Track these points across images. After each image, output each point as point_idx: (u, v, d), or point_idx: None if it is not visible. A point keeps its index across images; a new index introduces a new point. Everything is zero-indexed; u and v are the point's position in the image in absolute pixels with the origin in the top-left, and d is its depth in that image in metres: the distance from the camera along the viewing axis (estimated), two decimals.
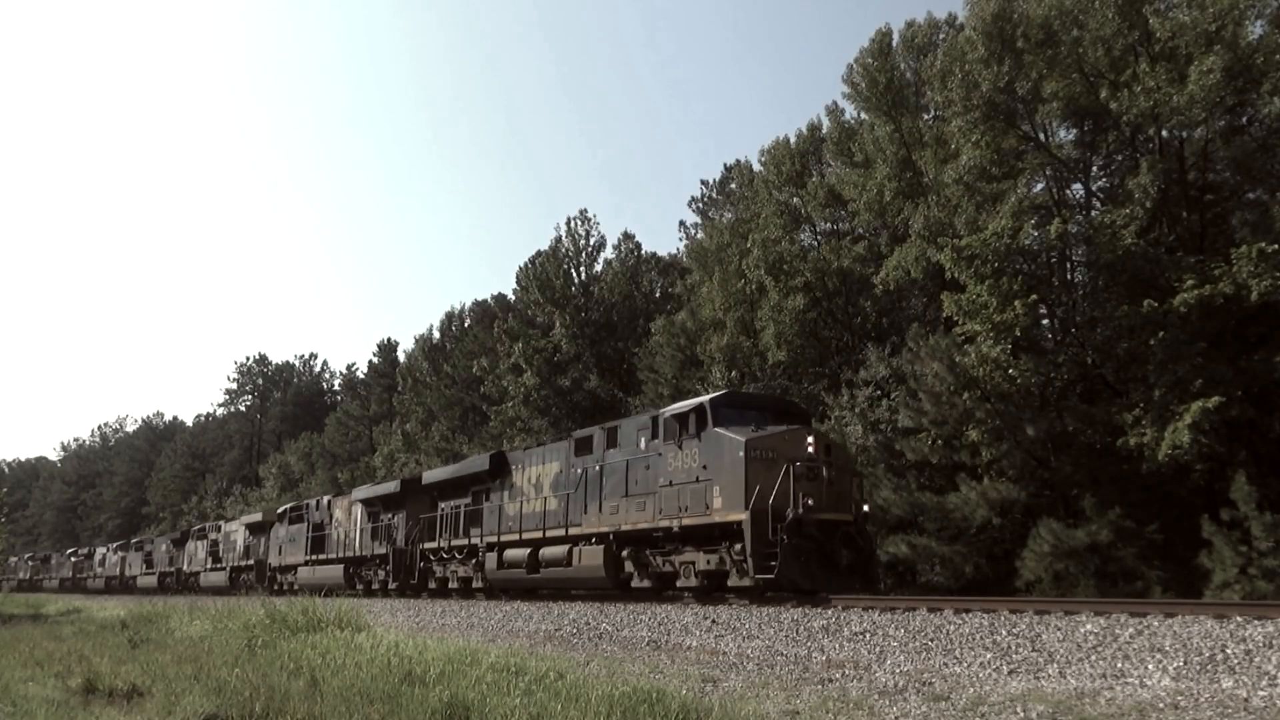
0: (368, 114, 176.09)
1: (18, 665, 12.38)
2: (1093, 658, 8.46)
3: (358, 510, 29.30)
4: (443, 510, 24.38)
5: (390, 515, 27.38)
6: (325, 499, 33.12)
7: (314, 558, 31.50)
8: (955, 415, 20.22)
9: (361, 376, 71.09)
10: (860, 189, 28.44)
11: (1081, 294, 22.75)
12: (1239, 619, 8.63)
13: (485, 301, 56.87)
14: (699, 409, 15.61)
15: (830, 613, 12.33)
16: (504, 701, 7.25)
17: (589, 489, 18.04)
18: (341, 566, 29.30)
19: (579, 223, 43.88)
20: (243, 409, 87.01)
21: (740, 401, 16.47)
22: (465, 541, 22.78)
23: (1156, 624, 8.89)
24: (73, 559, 64.38)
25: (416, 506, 25.69)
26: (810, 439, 14.76)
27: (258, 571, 36.23)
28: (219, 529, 43.43)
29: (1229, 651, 7.83)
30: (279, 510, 36.95)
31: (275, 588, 33.06)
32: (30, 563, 72.09)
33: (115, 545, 58.98)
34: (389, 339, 70.30)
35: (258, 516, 39.29)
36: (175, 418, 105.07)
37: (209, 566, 42.19)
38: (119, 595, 46.23)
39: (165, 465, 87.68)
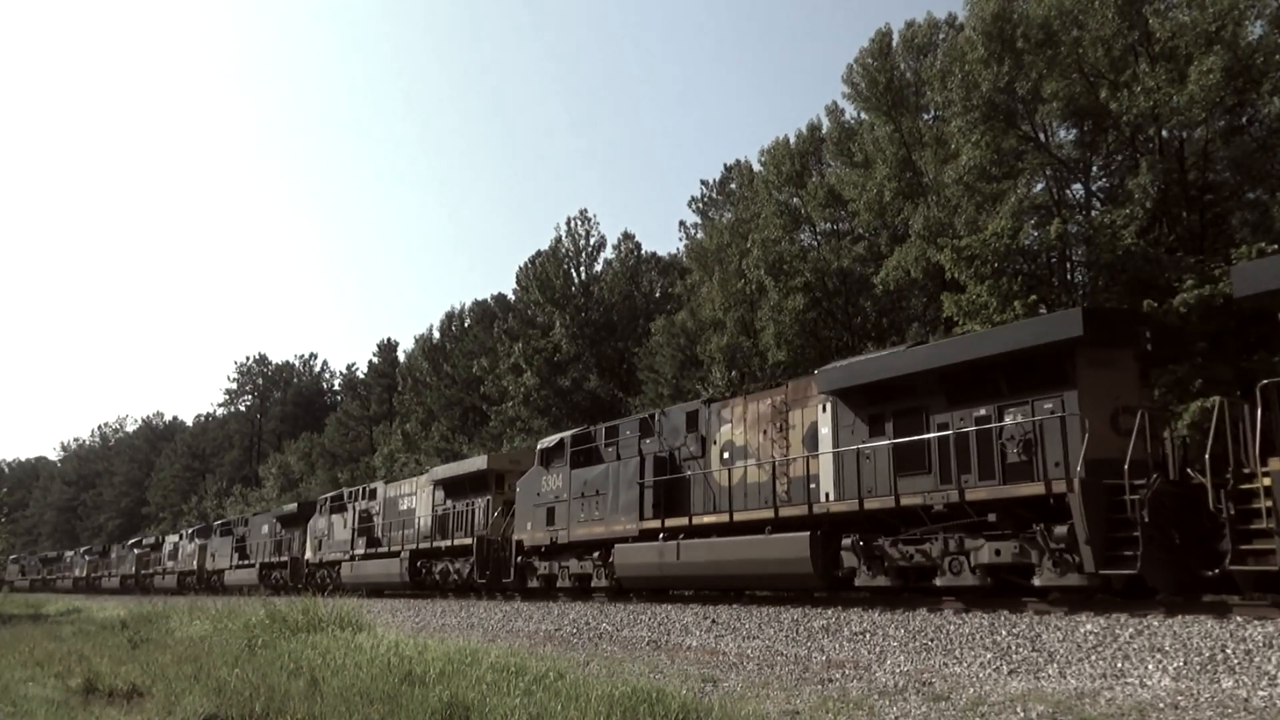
0: (368, 114, 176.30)
1: (18, 665, 12.40)
2: (1093, 658, 8.46)
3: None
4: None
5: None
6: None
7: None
8: None
9: (361, 376, 71.11)
10: (860, 189, 28.46)
11: (1081, 294, 22.76)
12: (1239, 619, 8.64)
13: (485, 301, 56.89)
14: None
15: (830, 612, 12.33)
16: (504, 701, 7.26)
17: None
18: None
19: (579, 223, 43.93)
20: (243, 409, 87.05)
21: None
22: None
23: (1156, 624, 8.89)
24: (136, 551, 52.58)
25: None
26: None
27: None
28: (374, 493, 29.66)
29: (1229, 651, 7.83)
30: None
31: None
32: (87, 558, 60.40)
33: (192, 531, 46.55)
34: (389, 339, 70.36)
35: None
36: (175, 418, 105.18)
37: (362, 552, 28.50)
38: (205, 598, 28.17)
39: (165, 465, 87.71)
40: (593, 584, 18.15)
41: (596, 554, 17.89)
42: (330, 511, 30.82)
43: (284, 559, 33.76)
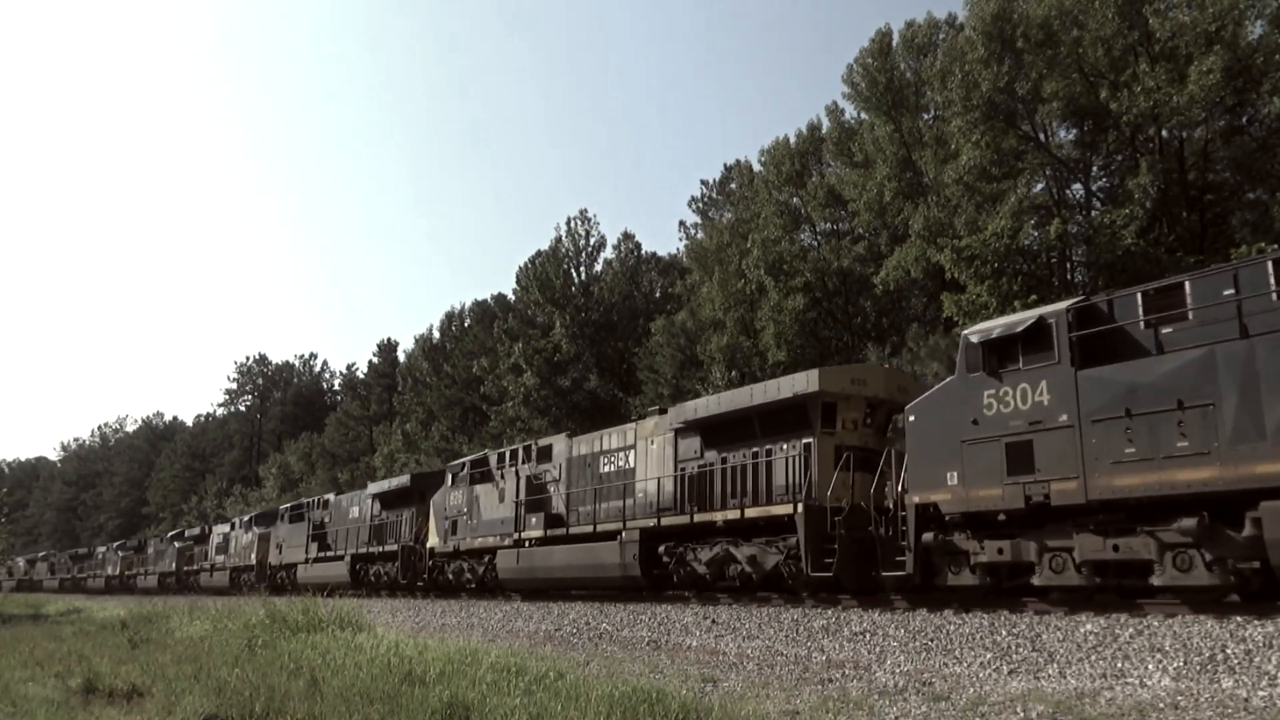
0: (369, 114, 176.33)
1: (18, 665, 12.39)
2: (1093, 658, 8.46)
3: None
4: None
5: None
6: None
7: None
8: None
9: (361, 376, 71.14)
10: (860, 189, 28.47)
11: (1081, 294, 22.79)
12: (1239, 619, 8.63)
13: (485, 302, 56.91)
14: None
15: (830, 612, 12.34)
16: (504, 701, 7.25)
17: None
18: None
19: (579, 223, 43.94)
20: (243, 409, 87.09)
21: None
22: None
23: (1156, 624, 8.88)
24: (177, 544, 45.44)
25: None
26: None
27: None
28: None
29: (1229, 651, 7.83)
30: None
31: None
32: (120, 554, 53.39)
33: (250, 518, 38.04)
34: (389, 339, 70.40)
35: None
36: (175, 418, 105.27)
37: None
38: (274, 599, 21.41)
39: (165, 465, 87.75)
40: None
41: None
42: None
43: (386, 548, 26.12)
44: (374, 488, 27.85)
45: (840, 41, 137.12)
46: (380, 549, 26.32)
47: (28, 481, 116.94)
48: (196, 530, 46.62)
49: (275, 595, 22.41)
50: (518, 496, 19.88)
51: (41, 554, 71.60)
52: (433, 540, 23.19)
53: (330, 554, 29.18)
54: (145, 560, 49.47)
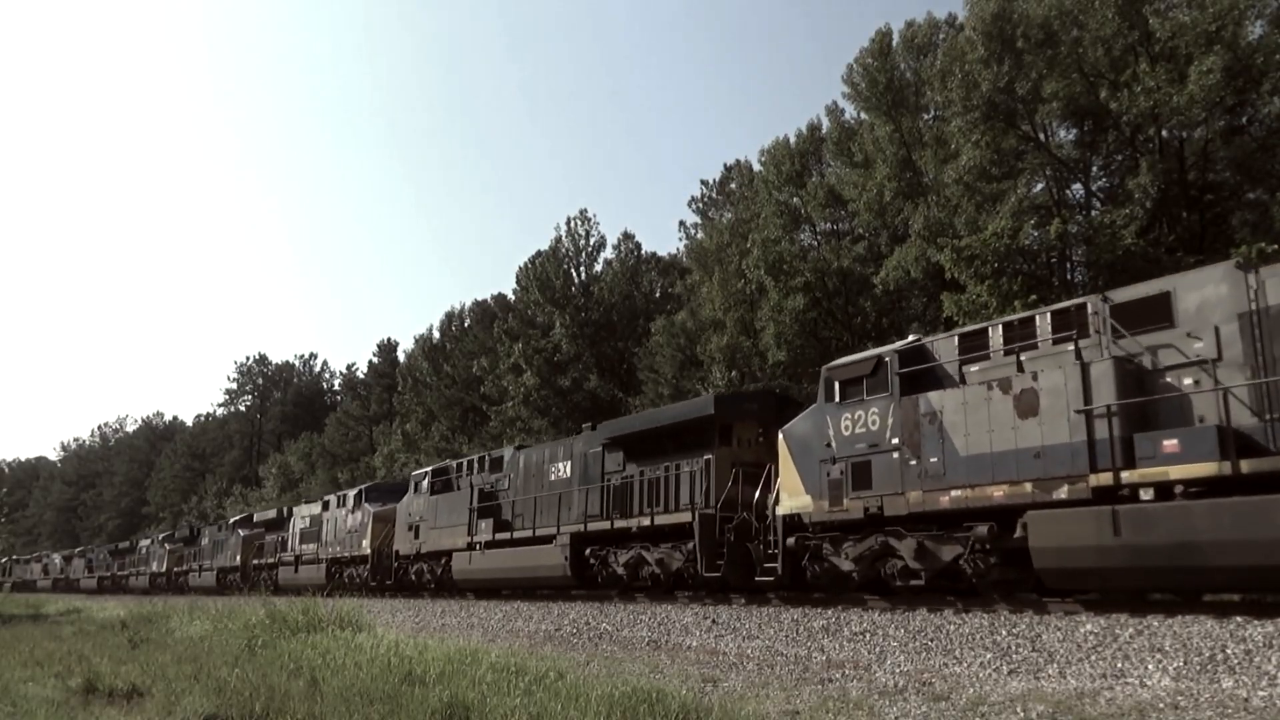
0: (369, 114, 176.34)
1: (18, 665, 12.39)
2: (1093, 658, 8.46)
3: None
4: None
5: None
6: None
7: None
8: None
9: (361, 376, 71.19)
10: (860, 189, 28.47)
11: (1082, 294, 22.80)
12: (1239, 619, 8.63)
13: (485, 302, 56.94)
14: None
15: (830, 612, 12.34)
16: (504, 701, 7.25)
17: None
18: None
19: (579, 223, 43.95)
20: (243, 409, 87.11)
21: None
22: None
23: (1156, 624, 8.88)
24: (243, 532, 36.89)
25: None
26: None
27: None
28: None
29: (1229, 651, 7.83)
30: None
31: None
32: (168, 547, 45.44)
33: (360, 491, 28.51)
34: (389, 339, 70.48)
35: None
36: (175, 418, 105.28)
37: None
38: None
39: (165, 465, 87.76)
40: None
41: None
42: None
43: (662, 518, 16.13)
44: (613, 426, 18.73)
45: (840, 42, 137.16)
46: (656, 521, 16.08)
47: (28, 481, 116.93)
48: (270, 514, 37.94)
49: (443, 597, 21.69)
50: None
51: (79, 549, 65.42)
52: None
53: (519, 534, 19.87)
54: (199, 553, 41.42)
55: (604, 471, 17.87)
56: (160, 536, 49.21)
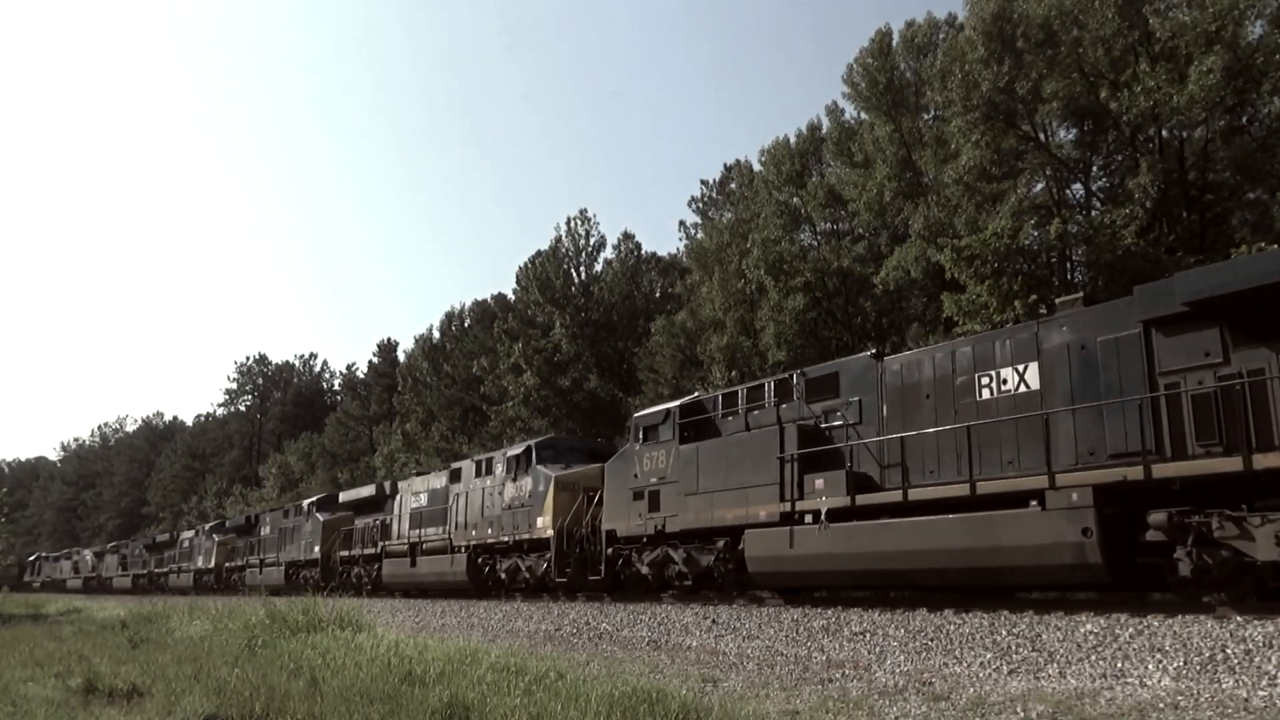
0: (369, 114, 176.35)
1: (18, 665, 12.37)
2: (1093, 658, 8.46)
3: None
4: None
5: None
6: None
7: None
8: None
9: (361, 376, 71.13)
10: (860, 189, 28.46)
11: (1082, 294, 22.79)
12: (1239, 619, 8.63)
13: (485, 301, 56.89)
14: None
15: (830, 612, 12.34)
16: (504, 701, 7.25)
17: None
18: None
19: (579, 222, 43.90)
20: (243, 409, 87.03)
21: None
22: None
23: (1156, 624, 8.88)
24: (321, 515, 30.75)
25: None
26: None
27: None
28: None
29: (1229, 651, 7.83)
30: None
31: None
32: (217, 539, 39.82)
33: (518, 452, 21.22)
34: (389, 339, 70.41)
35: None
36: (175, 418, 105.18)
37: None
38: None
39: (165, 465, 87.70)
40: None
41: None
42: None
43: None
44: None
45: (840, 42, 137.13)
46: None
47: (28, 481, 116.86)
48: (364, 491, 29.82)
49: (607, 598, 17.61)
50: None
51: (111, 545, 59.76)
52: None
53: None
54: (259, 545, 34.32)
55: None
56: (208, 526, 42.60)
